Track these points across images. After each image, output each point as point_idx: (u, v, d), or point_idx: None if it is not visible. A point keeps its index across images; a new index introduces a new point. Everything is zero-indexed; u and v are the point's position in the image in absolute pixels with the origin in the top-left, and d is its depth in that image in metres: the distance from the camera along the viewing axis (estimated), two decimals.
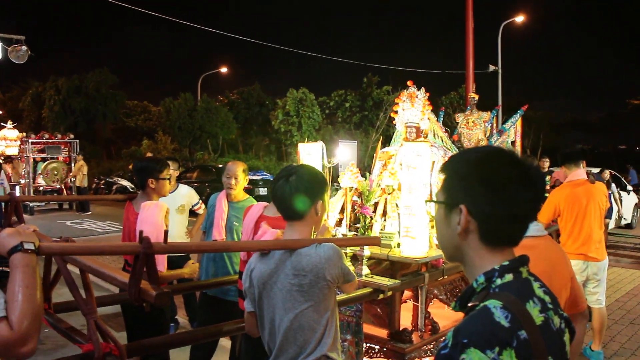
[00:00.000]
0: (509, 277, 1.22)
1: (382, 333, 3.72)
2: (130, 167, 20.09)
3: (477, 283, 1.24)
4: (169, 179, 3.81)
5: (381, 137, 4.96)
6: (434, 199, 1.38)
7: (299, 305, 2.14)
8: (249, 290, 2.28)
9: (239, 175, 4.18)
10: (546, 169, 10.65)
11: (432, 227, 3.72)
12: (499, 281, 1.22)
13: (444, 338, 2.39)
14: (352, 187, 3.79)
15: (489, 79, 22.72)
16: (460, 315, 1.23)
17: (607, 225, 10.20)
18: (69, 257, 2.19)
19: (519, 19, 23.55)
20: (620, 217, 12.42)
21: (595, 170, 11.48)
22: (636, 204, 14.26)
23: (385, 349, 3.68)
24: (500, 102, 21.17)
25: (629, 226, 13.88)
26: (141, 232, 1.87)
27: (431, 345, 3.78)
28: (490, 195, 1.22)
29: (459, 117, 5.02)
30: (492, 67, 21.75)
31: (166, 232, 2.04)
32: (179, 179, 5.84)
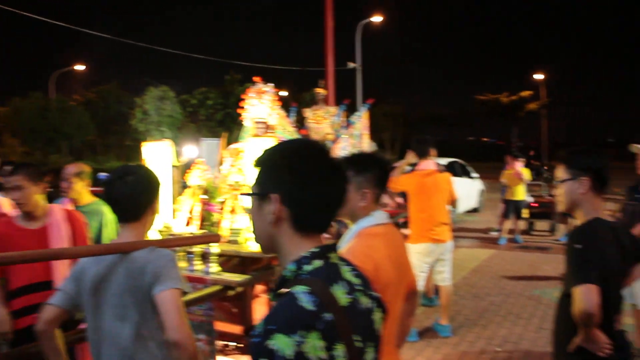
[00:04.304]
0: (318, 263, 1.27)
1: (238, 329, 3.73)
2: None
3: (288, 271, 1.28)
4: None
5: (227, 134, 4.94)
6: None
7: (130, 312, 2.05)
8: (67, 289, 2.14)
9: (72, 179, 3.99)
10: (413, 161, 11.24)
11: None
12: (308, 267, 1.26)
13: None
14: (201, 185, 3.74)
15: (351, 76, 23.48)
16: None
17: None
18: None
19: (377, 19, 24.50)
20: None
21: (443, 161, 12.31)
22: (481, 190, 15.53)
23: (241, 345, 3.69)
24: (361, 99, 22.00)
25: (475, 210, 15.09)
26: None
27: None
28: (301, 184, 1.26)
29: (307, 112, 5.14)
30: (351, 65, 22.49)
31: None
32: None
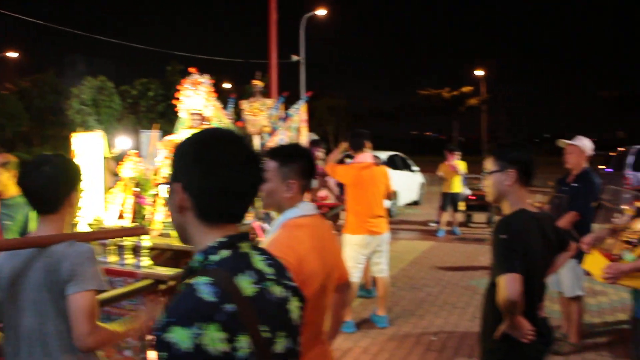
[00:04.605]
0: (225, 253, 1.25)
1: None
2: None
3: (196, 261, 1.25)
4: None
5: (159, 125, 4.83)
6: None
7: (49, 308, 1.97)
8: None
9: None
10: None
11: None
12: (215, 257, 1.24)
13: None
14: (133, 177, 3.64)
15: (296, 69, 23.42)
16: None
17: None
18: None
19: (321, 12, 24.50)
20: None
21: (384, 154, 12.47)
22: (422, 183, 15.83)
23: None
24: (305, 92, 21.98)
25: (416, 203, 15.37)
26: None
27: None
28: (202, 172, 1.24)
29: (244, 104, 5.09)
30: (294, 58, 22.45)
31: None
32: None
